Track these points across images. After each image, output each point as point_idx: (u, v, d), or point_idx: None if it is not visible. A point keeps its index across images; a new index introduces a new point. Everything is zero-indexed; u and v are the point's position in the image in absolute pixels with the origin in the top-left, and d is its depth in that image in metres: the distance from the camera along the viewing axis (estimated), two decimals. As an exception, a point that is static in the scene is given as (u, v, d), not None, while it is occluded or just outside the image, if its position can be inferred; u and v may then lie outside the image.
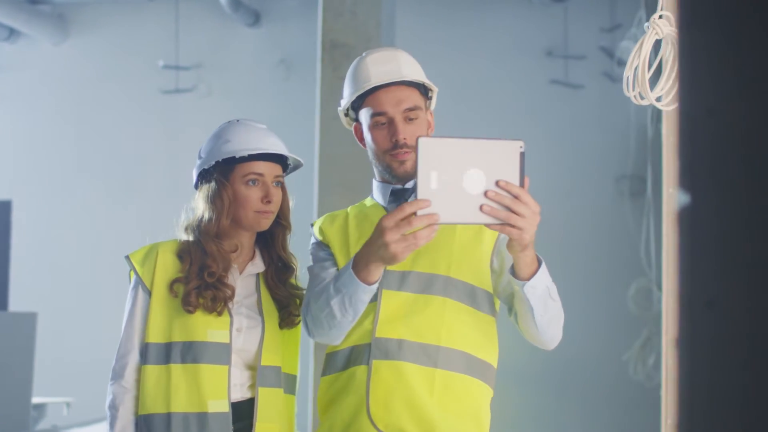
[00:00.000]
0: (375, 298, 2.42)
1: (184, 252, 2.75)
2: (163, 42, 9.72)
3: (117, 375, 2.70)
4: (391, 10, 7.13)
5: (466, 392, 2.38)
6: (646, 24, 2.24)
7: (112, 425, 2.64)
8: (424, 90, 2.59)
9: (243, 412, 2.64)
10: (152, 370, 2.64)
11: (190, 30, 9.69)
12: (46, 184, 9.97)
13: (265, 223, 2.72)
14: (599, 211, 8.52)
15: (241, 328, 2.68)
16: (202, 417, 2.57)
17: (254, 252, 2.80)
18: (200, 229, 2.74)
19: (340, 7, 6.88)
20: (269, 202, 2.69)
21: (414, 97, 2.54)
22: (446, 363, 2.37)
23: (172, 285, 2.70)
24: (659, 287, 6.20)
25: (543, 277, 2.22)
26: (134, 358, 2.70)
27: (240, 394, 2.66)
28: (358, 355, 2.44)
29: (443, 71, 9.10)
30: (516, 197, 2.03)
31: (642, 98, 2.27)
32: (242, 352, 2.67)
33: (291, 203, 2.82)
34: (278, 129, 9.92)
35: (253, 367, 2.68)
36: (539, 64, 9.01)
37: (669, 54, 2.30)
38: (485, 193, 2.04)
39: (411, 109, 2.50)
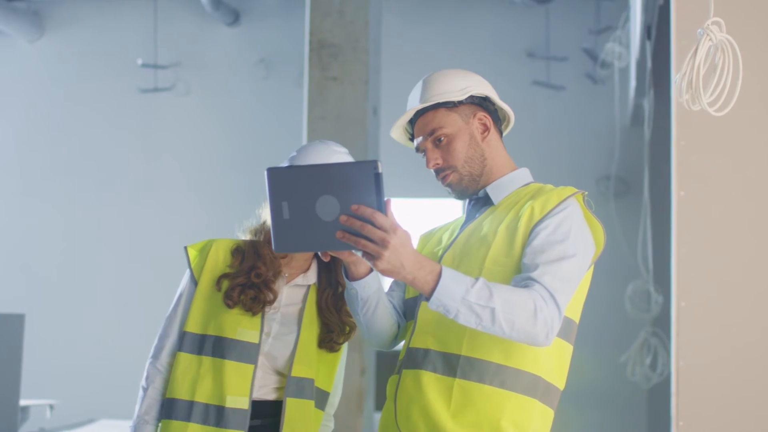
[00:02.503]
0: (414, 311, 2.47)
1: (238, 250, 2.82)
2: (142, 40, 9.63)
3: (154, 356, 2.79)
4: (378, 9, 7.12)
5: (486, 403, 2.34)
6: (699, 30, 2.25)
7: (140, 402, 2.75)
8: (456, 103, 2.51)
9: (264, 411, 2.70)
10: (184, 358, 2.72)
11: (169, 28, 9.62)
12: (21, 183, 9.85)
13: None
14: (582, 212, 8.55)
15: (270, 333, 2.72)
16: (221, 410, 2.64)
17: (310, 265, 2.82)
18: (259, 233, 2.82)
19: (327, 7, 6.84)
20: None
21: (437, 119, 2.50)
22: (466, 373, 2.35)
23: (219, 280, 2.76)
24: (657, 289, 6.22)
25: (446, 294, 2.13)
26: (171, 342, 2.78)
27: (264, 394, 2.71)
28: (397, 364, 2.50)
29: (425, 71, 9.10)
30: (369, 222, 1.99)
31: (693, 103, 2.27)
32: (270, 356, 2.71)
33: None
34: (257, 128, 9.89)
35: (282, 374, 2.72)
36: (521, 65, 9.04)
37: (719, 60, 2.31)
38: (339, 219, 2.00)
39: (432, 132, 2.49)
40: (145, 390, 2.75)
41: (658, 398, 7.59)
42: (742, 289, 3.72)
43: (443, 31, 9.25)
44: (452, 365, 2.36)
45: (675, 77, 2.31)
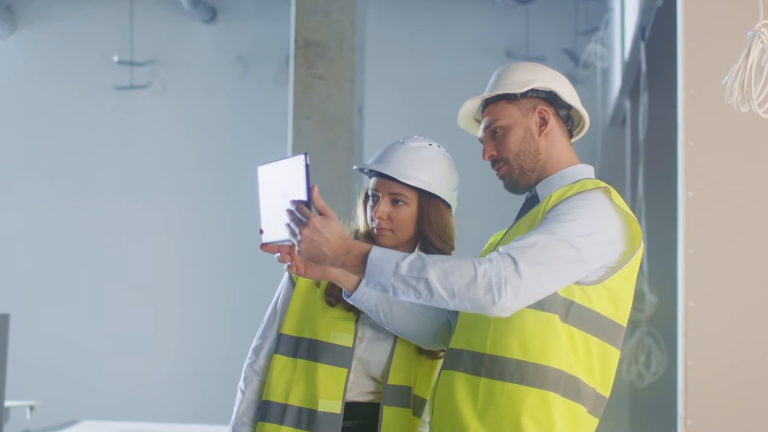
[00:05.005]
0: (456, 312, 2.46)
1: None
2: (118, 36, 9.54)
3: (252, 357, 2.78)
4: (364, 9, 7.10)
5: (507, 400, 2.30)
6: (750, 33, 2.25)
7: (238, 404, 2.74)
8: (518, 96, 2.48)
9: (358, 413, 2.66)
10: (280, 360, 2.70)
11: (145, 24, 9.53)
12: (-6, 181, 9.73)
13: (382, 240, 2.67)
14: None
15: (363, 338, 2.67)
16: (313, 414, 2.62)
17: None
18: (355, 232, 2.78)
19: (313, 5, 6.81)
20: (379, 218, 2.65)
21: (496, 111, 2.49)
22: (490, 371, 2.32)
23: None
24: (651, 289, 6.26)
25: (378, 272, 2.19)
26: (269, 344, 2.76)
27: (357, 396, 2.67)
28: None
29: (407, 71, 9.10)
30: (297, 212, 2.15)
31: (743, 104, 2.28)
32: (363, 361, 2.66)
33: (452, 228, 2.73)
34: (235, 126, 9.79)
35: (376, 380, 2.68)
36: (500, 65, 9.03)
37: (765, 62, 2.32)
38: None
39: (489, 125, 2.49)
40: (242, 391, 2.73)
41: (642, 397, 7.64)
42: (751, 289, 3.75)
43: (425, 31, 9.24)
44: (478, 365, 2.34)
45: (724, 79, 2.31)
